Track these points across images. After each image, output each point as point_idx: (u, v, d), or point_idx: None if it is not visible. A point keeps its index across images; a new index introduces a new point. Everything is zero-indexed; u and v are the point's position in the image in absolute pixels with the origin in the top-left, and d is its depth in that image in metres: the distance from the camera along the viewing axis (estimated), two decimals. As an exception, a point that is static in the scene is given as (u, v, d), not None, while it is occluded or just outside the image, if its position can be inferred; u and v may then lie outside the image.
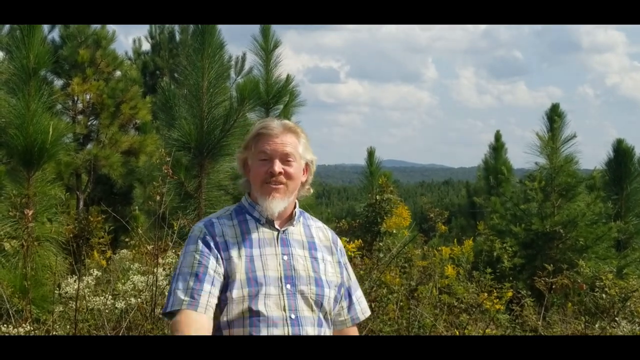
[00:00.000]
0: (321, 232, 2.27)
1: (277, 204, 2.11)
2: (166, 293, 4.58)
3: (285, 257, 2.11)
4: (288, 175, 2.12)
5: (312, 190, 2.26)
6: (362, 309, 2.35)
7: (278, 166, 2.11)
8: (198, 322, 1.96)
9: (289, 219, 2.18)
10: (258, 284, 2.04)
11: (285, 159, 2.12)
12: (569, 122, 8.73)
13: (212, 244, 2.08)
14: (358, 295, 2.35)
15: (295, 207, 2.20)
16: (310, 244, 2.19)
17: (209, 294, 2.01)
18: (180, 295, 2.00)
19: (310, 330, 2.06)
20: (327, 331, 2.15)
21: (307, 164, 2.21)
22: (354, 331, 2.36)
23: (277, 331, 2.01)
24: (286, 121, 2.21)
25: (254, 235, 2.12)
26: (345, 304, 2.28)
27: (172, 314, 2.01)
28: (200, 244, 2.07)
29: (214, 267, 2.04)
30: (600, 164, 9.80)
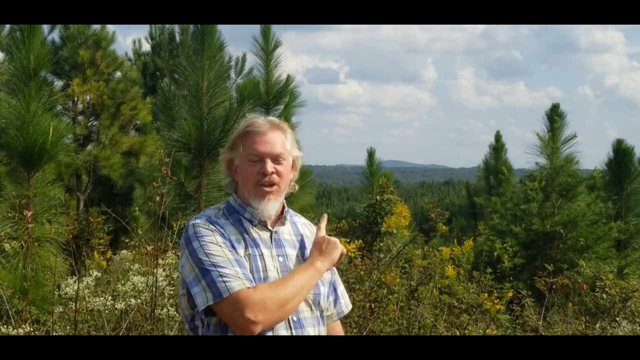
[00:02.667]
0: (307, 228, 2.27)
1: (273, 206, 2.10)
2: (166, 294, 4.61)
3: (281, 259, 2.09)
4: (280, 175, 2.11)
5: (297, 187, 2.24)
6: (346, 302, 2.35)
7: (270, 166, 2.08)
8: (258, 288, 1.94)
9: (279, 218, 2.16)
10: None
11: (276, 159, 2.10)
12: (569, 123, 8.73)
13: (224, 238, 2.03)
14: (341, 289, 2.35)
15: (284, 206, 2.19)
16: (300, 243, 2.18)
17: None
18: (231, 280, 1.92)
19: (310, 331, 2.06)
20: (323, 329, 2.14)
21: (293, 161, 2.19)
22: (338, 325, 2.35)
23: (280, 334, 1.99)
24: (271, 118, 2.19)
25: (252, 236, 2.09)
26: (332, 298, 2.27)
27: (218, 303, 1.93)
28: (217, 235, 2.03)
29: (238, 255, 2.01)
30: (600, 164, 9.80)
